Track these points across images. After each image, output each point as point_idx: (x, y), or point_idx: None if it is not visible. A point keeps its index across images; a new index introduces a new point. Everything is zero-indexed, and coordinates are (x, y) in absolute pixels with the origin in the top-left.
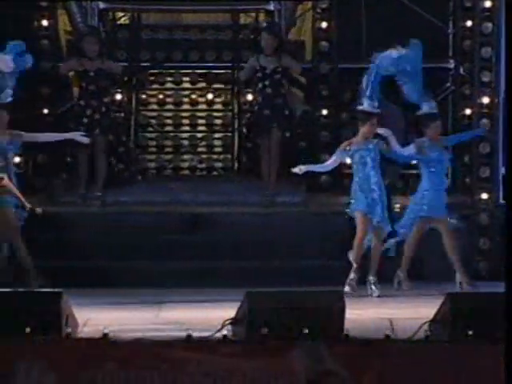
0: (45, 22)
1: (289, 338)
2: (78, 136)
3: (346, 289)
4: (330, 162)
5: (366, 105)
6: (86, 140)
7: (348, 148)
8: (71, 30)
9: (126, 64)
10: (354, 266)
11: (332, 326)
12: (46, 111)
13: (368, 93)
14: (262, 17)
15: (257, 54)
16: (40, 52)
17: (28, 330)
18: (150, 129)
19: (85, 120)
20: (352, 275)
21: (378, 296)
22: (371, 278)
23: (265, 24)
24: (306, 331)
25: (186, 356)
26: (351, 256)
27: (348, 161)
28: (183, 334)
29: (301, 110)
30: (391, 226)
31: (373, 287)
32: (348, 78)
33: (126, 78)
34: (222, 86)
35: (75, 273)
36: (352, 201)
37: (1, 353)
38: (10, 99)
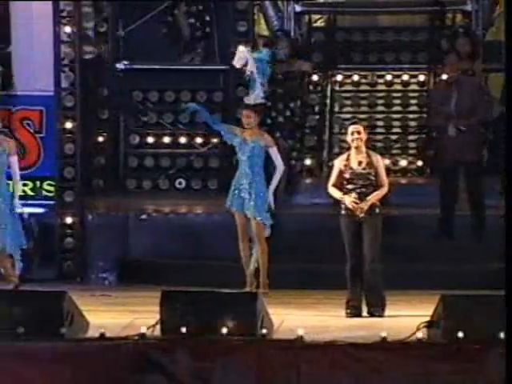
0: (243, 26)
1: (484, 342)
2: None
3: None
4: None
5: None
6: None
7: None
8: (267, 34)
9: (320, 66)
10: None
11: None
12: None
13: None
14: (459, 18)
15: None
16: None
17: (225, 330)
18: (344, 131)
19: (268, 121)
20: None
21: None
22: None
23: (460, 27)
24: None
25: (381, 358)
26: None
27: None
28: (378, 336)
29: (498, 112)
30: None
31: None
32: None
33: (321, 81)
34: (417, 87)
35: (274, 274)
36: None
37: (199, 353)
38: (260, 100)
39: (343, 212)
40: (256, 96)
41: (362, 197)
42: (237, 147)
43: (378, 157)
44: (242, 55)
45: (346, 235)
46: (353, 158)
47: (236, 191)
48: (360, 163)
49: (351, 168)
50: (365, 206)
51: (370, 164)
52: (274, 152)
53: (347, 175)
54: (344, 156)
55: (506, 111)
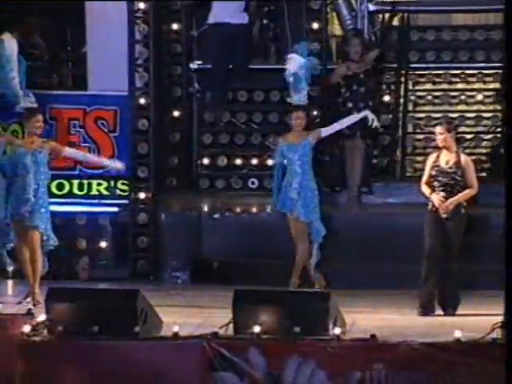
0: (315, 25)
1: None
2: (369, 114)
3: None
4: None
5: None
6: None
7: None
8: (340, 34)
9: (395, 65)
10: None
11: None
12: (315, 113)
13: None
14: None
15: None
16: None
17: (297, 329)
18: (418, 130)
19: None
20: None
21: None
22: None
23: None
24: None
25: (456, 358)
26: None
27: None
28: (451, 335)
29: None
30: None
31: None
32: None
33: (394, 80)
34: (492, 86)
35: (345, 274)
36: None
37: (271, 352)
38: (305, 101)
39: (429, 208)
40: (299, 97)
41: (446, 195)
42: (285, 151)
43: (468, 158)
44: (291, 59)
45: (428, 232)
46: (442, 157)
47: (285, 192)
48: (447, 162)
49: (438, 166)
50: (450, 205)
51: (458, 164)
52: (325, 131)
53: (433, 172)
54: (434, 154)
55: (506, 111)
